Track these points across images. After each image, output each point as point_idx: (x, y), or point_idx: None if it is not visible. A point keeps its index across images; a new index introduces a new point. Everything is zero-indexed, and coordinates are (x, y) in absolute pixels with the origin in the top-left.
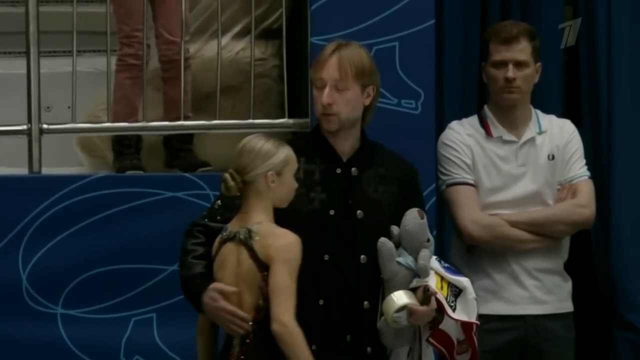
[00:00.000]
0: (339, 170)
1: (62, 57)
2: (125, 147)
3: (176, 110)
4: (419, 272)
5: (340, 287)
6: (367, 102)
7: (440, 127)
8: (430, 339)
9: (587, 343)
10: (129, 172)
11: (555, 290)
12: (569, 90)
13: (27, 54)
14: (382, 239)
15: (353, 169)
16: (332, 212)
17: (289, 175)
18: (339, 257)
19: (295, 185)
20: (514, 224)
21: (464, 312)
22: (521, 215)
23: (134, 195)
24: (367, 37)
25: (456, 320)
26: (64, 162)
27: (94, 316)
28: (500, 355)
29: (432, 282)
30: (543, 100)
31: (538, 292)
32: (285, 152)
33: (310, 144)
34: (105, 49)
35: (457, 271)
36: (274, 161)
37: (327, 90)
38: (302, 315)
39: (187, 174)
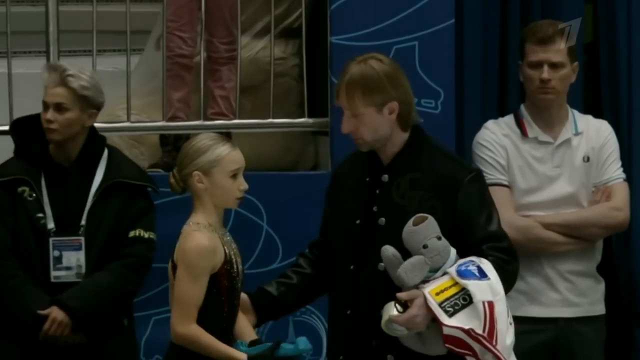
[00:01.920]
0: (368, 179)
1: (81, 57)
2: (163, 144)
3: (214, 106)
4: (398, 281)
5: (363, 295)
6: (393, 117)
7: (461, 127)
8: (446, 344)
9: (609, 343)
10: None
11: (588, 292)
12: (588, 90)
13: (47, 53)
14: (384, 246)
15: (384, 175)
16: (357, 222)
17: (222, 174)
18: (363, 265)
19: (243, 184)
20: (548, 226)
21: (470, 318)
22: (555, 218)
23: (154, 194)
24: (387, 37)
25: (447, 326)
26: None
27: None
28: (531, 357)
29: (432, 286)
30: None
31: (570, 294)
32: (217, 152)
33: (364, 152)
34: (125, 48)
35: (475, 273)
36: (201, 160)
37: (344, 118)
38: (333, 326)
39: None
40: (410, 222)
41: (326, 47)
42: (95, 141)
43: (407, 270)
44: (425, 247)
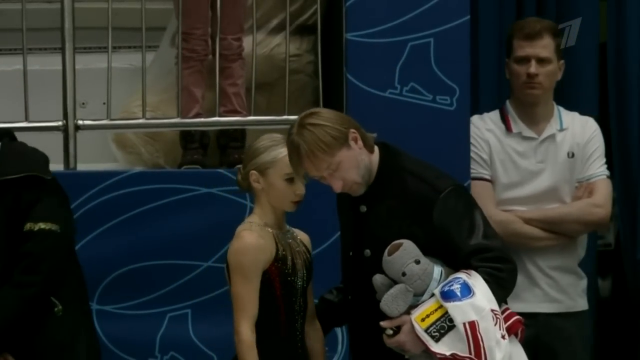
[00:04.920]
0: (351, 211)
1: (97, 53)
2: (189, 142)
3: (227, 103)
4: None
5: (362, 326)
6: (360, 144)
7: None
8: None
9: (617, 337)
10: (158, 168)
11: (569, 289)
12: (603, 90)
13: (62, 50)
14: (374, 277)
15: (362, 206)
16: (351, 253)
17: (276, 177)
18: (358, 297)
19: (300, 189)
20: (528, 221)
21: (455, 341)
22: (535, 213)
23: (169, 191)
24: (402, 33)
25: (435, 353)
26: (99, 158)
27: (129, 312)
28: None
29: (418, 312)
30: (578, 98)
31: (551, 290)
32: (274, 153)
33: None
34: (140, 45)
35: (457, 293)
36: (258, 160)
37: (330, 180)
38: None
39: (221, 170)
40: (386, 252)
41: (341, 44)
42: None
43: (388, 302)
44: (404, 274)
